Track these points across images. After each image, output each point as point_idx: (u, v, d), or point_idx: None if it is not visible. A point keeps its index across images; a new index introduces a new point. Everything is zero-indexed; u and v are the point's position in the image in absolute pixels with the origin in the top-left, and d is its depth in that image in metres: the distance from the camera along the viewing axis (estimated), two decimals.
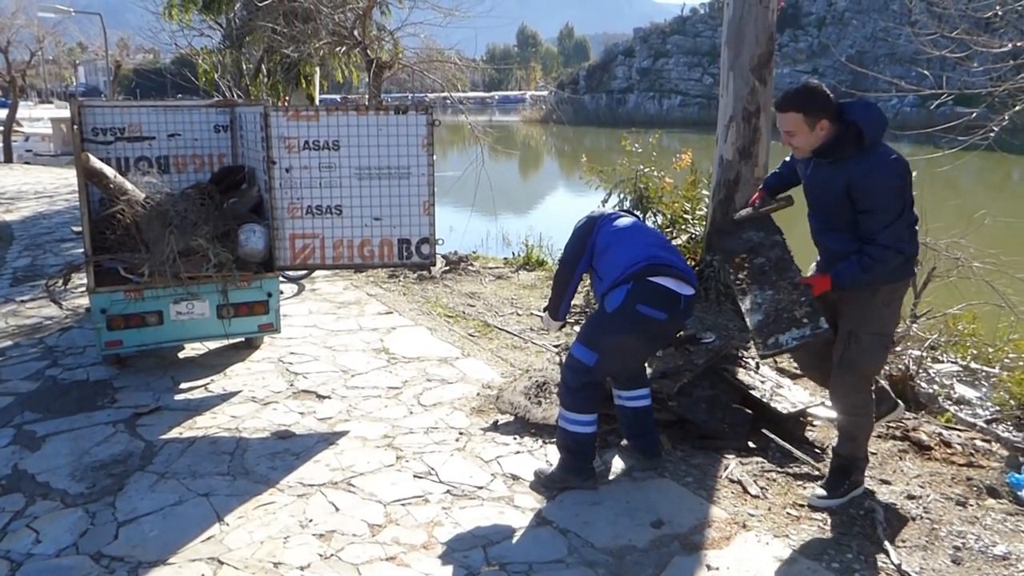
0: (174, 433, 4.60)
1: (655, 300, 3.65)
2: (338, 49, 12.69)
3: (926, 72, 7.53)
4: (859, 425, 3.69)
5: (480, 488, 3.92)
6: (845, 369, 3.57)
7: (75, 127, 5.29)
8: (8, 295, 7.93)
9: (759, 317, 3.53)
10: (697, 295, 3.95)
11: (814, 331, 3.36)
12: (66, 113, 27.28)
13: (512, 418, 4.69)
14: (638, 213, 4.32)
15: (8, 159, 28.91)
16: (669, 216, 7.93)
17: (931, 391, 5.28)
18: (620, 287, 3.70)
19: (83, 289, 5.73)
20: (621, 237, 3.88)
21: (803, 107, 3.39)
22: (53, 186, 18.30)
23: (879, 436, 4.47)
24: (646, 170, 8.13)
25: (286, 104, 12.51)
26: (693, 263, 7.37)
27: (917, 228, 3.48)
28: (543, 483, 3.91)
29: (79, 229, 5.49)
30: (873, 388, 3.73)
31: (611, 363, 3.84)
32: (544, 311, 4.36)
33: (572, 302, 4.20)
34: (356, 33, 11.89)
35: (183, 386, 5.35)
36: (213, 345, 6.08)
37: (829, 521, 3.58)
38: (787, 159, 3.97)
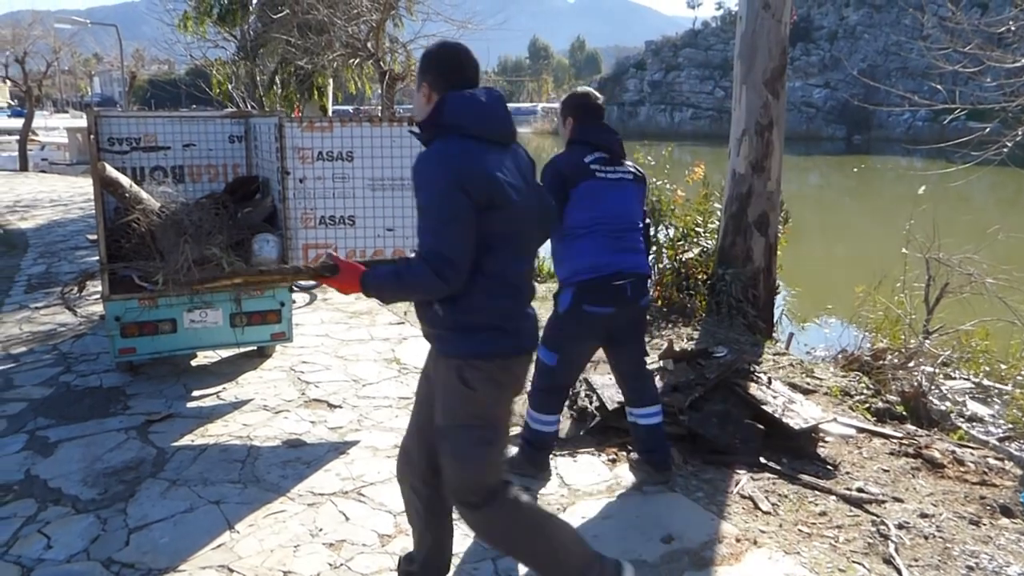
0: (186, 440, 4.62)
1: (600, 298, 3.76)
2: (351, 61, 12.80)
3: (939, 86, 7.53)
4: (529, 551, 2.72)
5: None
6: (450, 488, 2.69)
7: (92, 137, 5.34)
8: (23, 302, 7.99)
9: None
10: (647, 274, 3.93)
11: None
12: (81, 123, 27.53)
13: (520, 429, 4.69)
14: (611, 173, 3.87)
15: (24, 167, 29.16)
16: (681, 229, 7.93)
17: (944, 408, 5.26)
18: (567, 289, 3.83)
19: (97, 296, 5.77)
20: (583, 226, 3.81)
21: (420, 60, 2.76)
22: (68, 194, 18.43)
23: (891, 453, 4.45)
24: (658, 183, 8.14)
25: (300, 115, 12.58)
26: (704, 276, 7.37)
27: (509, 280, 2.57)
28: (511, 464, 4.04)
29: (94, 237, 5.53)
30: (492, 497, 2.65)
31: (572, 362, 3.97)
32: None
33: None
34: (369, 45, 11.97)
35: (195, 394, 5.37)
36: (225, 353, 6.10)
37: (841, 539, 3.56)
38: None
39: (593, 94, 4.02)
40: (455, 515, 2.85)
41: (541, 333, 3.71)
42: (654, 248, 8.11)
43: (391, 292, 2.59)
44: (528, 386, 4.07)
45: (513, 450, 4.16)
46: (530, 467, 4.09)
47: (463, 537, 3.54)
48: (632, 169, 3.96)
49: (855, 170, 37.90)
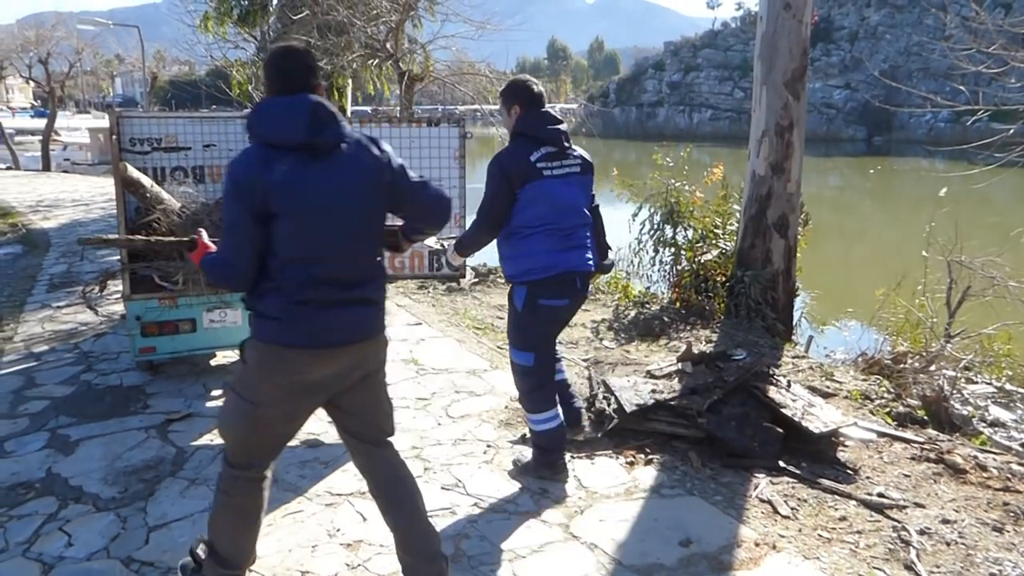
0: (205, 439, 4.64)
1: (554, 291, 3.87)
2: (370, 62, 12.80)
3: (961, 87, 7.46)
4: (216, 517, 3.00)
5: (508, 501, 3.91)
6: None
7: (113, 137, 5.38)
8: (45, 301, 8.07)
9: None
10: (593, 271, 4.04)
11: None
12: (103, 123, 27.79)
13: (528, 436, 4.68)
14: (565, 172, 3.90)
15: (46, 168, 29.51)
16: (700, 231, 7.89)
17: (965, 413, 5.20)
18: (520, 287, 3.91)
19: (118, 296, 5.82)
20: (531, 225, 3.85)
21: None
22: (89, 194, 18.61)
23: (913, 458, 4.40)
24: (677, 184, 8.11)
25: None
26: (723, 278, 7.33)
27: (293, 280, 2.66)
28: (520, 471, 4.16)
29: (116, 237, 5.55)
30: (237, 466, 2.91)
31: (545, 353, 4.06)
32: (450, 243, 4.24)
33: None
34: (388, 46, 12.00)
35: (215, 393, 5.40)
36: None
37: (861, 544, 3.52)
38: None
39: (533, 80, 4.02)
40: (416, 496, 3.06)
41: (509, 338, 4.02)
42: (671, 250, 8.10)
43: (210, 278, 2.93)
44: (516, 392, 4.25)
45: (527, 454, 4.21)
46: (545, 470, 4.10)
47: (480, 539, 3.54)
48: (578, 159, 3.96)
49: (871, 172, 37.63)
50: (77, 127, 43.01)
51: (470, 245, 4.06)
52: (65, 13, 35.01)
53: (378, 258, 2.92)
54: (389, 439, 3.06)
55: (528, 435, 4.66)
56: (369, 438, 3.02)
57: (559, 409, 4.11)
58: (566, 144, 3.91)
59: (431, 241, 4.22)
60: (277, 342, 2.71)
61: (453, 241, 4.12)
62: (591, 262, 3.96)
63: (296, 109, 2.66)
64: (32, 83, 34.82)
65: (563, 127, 3.91)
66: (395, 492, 3.02)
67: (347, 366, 2.82)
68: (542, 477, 4.09)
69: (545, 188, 3.80)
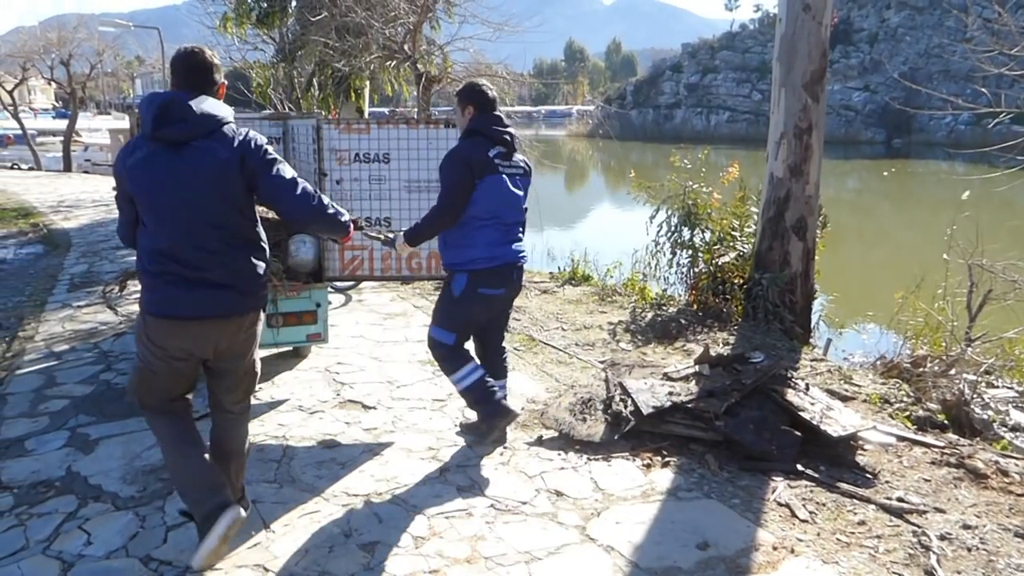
0: None
1: (492, 281, 4.19)
2: (388, 63, 12.86)
3: (982, 89, 7.41)
4: (167, 459, 3.34)
5: (524, 503, 3.90)
6: None
7: None
8: (65, 300, 8.15)
9: None
10: (525, 263, 4.36)
11: None
12: (123, 124, 28.00)
13: (556, 434, 4.67)
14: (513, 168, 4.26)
15: (67, 168, 29.79)
16: (717, 233, 7.86)
17: (986, 417, 5.14)
18: (460, 275, 4.16)
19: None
20: (481, 218, 4.13)
21: None
22: (110, 195, 18.66)
23: (933, 462, 4.36)
24: (695, 186, 8.08)
25: (336, 117, 12.68)
26: (740, 280, 7.29)
27: (148, 251, 3.10)
28: (471, 434, 4.53)
29: None
30: (143, 407, 3.32)
31: (465, 335, 4.41)
32: (397, 234, 4.41)
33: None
34: (406, 47, 12.03)
35: None
36: (262, 353, 6.11)
37: (881, 549, 3.49)
38: None
39: (489, 85, 4.31)
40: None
41: (434, 315, 4.40)
42: (689, 252, 8.07)
43: None
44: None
45: (471, 416, 4.58)
46: (497, 420, 4.38)
47: (496, 541, 3.54)
48: (522, 163, 4.30)
49: (885, 174, 37.34)
50: (98, 128, 43.38)
51: (425, 233, 4.28)
52: (87, 15, 35.36)
53: (237, 247, 3.17)
54: (238, 408, 3.51)
55: (542, 437, 4.67)
56: (216, 403, 3.47)
57: (475, 361, 4.37)
58: (513, 148, 4.23)
59: (376, 234, 4.40)
60: (142, 307, 3.14)
61: (400, 233, 4.32)
62: (524, 256, 4.30)
63: (149, 105, 3.02)
64: (54, 84, 35.15)
65: (511, 131, 4.21)
66: (218, 447, 3.44)
67: (202, 338, 3.16)
68: (493, 427, 4.37)
69: (498, 183, 4.12)
